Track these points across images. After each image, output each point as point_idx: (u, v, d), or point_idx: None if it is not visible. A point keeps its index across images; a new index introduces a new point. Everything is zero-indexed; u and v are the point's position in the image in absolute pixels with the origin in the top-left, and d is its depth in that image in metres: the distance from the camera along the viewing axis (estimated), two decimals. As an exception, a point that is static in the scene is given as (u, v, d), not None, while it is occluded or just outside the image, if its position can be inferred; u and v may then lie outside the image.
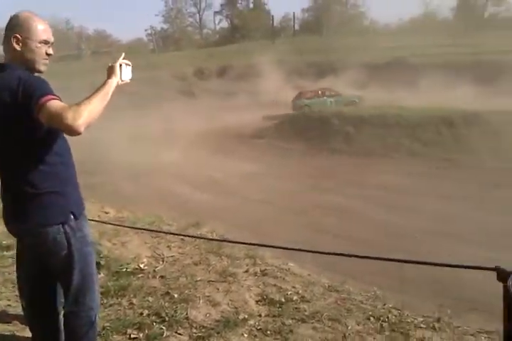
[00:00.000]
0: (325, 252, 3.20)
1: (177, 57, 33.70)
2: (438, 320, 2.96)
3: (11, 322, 2.76)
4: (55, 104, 1.68)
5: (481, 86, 19.71)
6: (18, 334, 2.63)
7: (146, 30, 61.71)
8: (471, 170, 10.71)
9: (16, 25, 1.84)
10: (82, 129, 1.65)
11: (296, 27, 48.22)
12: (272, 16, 44.87)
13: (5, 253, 3.66)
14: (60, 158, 1.91)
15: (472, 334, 2.82)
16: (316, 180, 10.94)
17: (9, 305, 2.98)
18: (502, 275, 1.43)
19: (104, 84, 1.85)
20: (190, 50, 40.56)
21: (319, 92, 21.47)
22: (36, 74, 1.89)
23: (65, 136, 1.90)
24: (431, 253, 6.25)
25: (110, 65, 1.96)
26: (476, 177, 10.18)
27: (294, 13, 46.62)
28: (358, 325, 2.87)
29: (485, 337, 2.76)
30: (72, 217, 1.90)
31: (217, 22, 60.92)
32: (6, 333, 2.67)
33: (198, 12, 59.97)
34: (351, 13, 53.93)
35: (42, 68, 1.91)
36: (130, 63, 2.04)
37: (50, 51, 1.91)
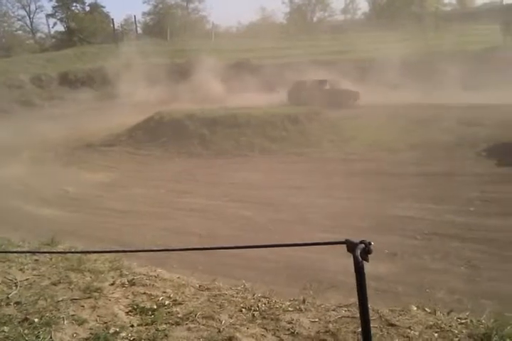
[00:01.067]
0: (190, 248, 3.23)
1: (9, 64, 30.34)
2: (303, 302, 3.20)
3: None
4: None
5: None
6: None
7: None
8: (316, 162, 11.74)
9: None
10: None
11: (139, 31, 47.25)
12: (112, 19, 43.19)
13: None
14: None
15: (334, 310, 3.09)
16: (175, 183, 10.92)
17: None
18: (351, 246, 1.60)
19: None
20: (23, 56, 36.84)
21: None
22: None
23: None
24: (286, 241, 6.72)
25: None
26: (320, 167, 11.20)
27: (134, 16, 45.69)
28: (231, 318, 2.96)
29: (345, 310, 3.05)
30: None
31: (51, 25, 56.43)
32: None
33: (28, 15, 54.82)
34: (193, 17, 54.67)
35: None
36: None
37: None
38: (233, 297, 3.31)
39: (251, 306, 3.10)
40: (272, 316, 2.97)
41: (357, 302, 2.70)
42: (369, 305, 1.61)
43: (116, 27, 43.78)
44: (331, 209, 8.17)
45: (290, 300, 3.25)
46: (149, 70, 27.30)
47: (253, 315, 2.99)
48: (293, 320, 2.92)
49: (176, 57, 28.33)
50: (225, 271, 5.55)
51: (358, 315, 2.99)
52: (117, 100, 23.23)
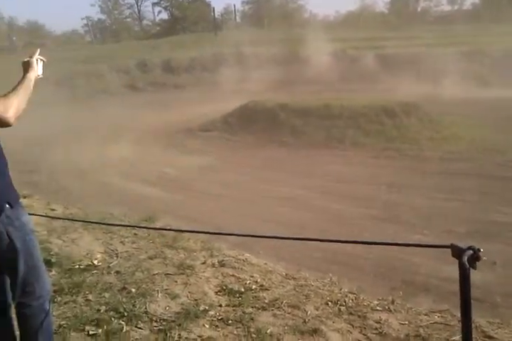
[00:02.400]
0: (285, 237, 3.26)
1: (117, 50, 32.54)
2: (392, 302, 3.10)
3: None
4: None
5: (419, 78, 20.62)
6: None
7: (82, 19, 58.94)
8: (411, 159, 11.20)
9: None
10: (13, 120, 1.70)
11: (238, 19, 48.21)
12: (213, 8, 44.36)
13: None
14: None
15: (426, 314, 2.95)
16: (264, 171, 11.03)
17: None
18: (457, 252, 1.50)
19: (23, 78, 1.90)
20: (130, 42, 39.30)
21: None
22: None
23: None
24: (374, 239, 6.49)
25: (26, 60, 1.98)
26: (416, 165, 10.67)
27: (234, 5, 46.68)
28: (317, 310, 2.94)
29: (438, 316, 2.90)
30: (7, 206, 1.88)
31: (156, 13, 59.51)
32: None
33: (136, 3, 58.31)
34: (291, 6, 54.55)
35: None
36: (45, 59, 2.06)
37: None
38: (319, 289, 3.29)
39: (338, 300, 3.07)
40: (359, 313, 2.92)
41: (452, 309, 2.56)
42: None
43: (216, 16, 44.91)
44: (426, 210, 7.75)
45: (378, 300, 3.17)
46: (247, 59, 27.80)
47: (339, 310, 2.95)
48: (381, 319, 2.84)
49: (272, 46, 28.43)
50: (310, 263, 5.52)
51: (452, 322, 2.83)
52: (215, 87, 23.94)
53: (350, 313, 2.91)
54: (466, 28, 30.36)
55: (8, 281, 1.99)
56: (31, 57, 1.99)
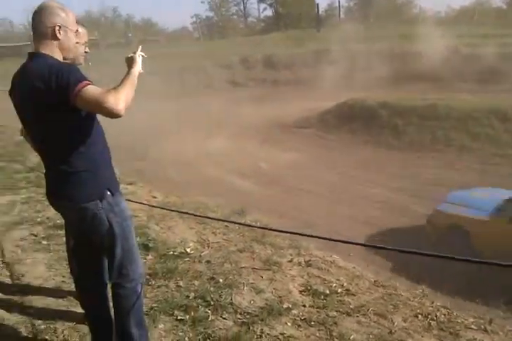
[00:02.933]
0: (370, 245, 3.14)
1: (222, 46, 33.74)
2: (490, 322, 2.86)
3: (65, 298, 2.89)
4: (92, 90, 1.77)
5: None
6: (72, 309, 2.74)
7: (191, 18, 61.90)
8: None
9: (54, 15, 1.91)
10: (123, 112, 1.77)
11: (342, 15, 47.11)
12: (317, 4, 43.90)
13: (59, 231, 3.81)
14: (94, 140, 1.99)
15: (530, 339, 2.70)
16: (360, 172, 10.76)
17: (63, 282, 3.12)
18: None
19: (128, 74, 1.95)
20: (235, 39, 40.49)
21: None
22: (67, 61, 1.98)
23: (98, 118, 2.01)
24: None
25: (130, 56, 2.06)
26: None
27: (339, 1, 45.53)
28: (405, 321, 2.80)
29: (541, 343, 2.63)
30: (108, 193, 1.99)
31: (261, 10, 60.50)
32: (61, 308, 2.79)
33: (243, 0, 59.80)
34: (399, 1, 52.16)
35: (73, 55, 2.04)
36: (145, 55, 2.12)
37: (78, 39, 2.05)
38: (409, 300, 3.13)
39: (428, 314, 2.90)
40: (451, 330, 2.72)
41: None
42: None
43: (320, 12, 44.50)
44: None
45: (474, 317, 2.94)
46: (349, 55, 27.20)
47: (429, 324, 2.79)
48: (475, 339, 2.64)
49: (378, 43, 27.45)
50: (402, 270, 5.30)
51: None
52: (315, 84, 23.79)
53: (441, 329, 2.73)
54: None
55: (106, 263, 2.13)
56: (134, 53, 2.07)
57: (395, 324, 2.75)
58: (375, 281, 3.38)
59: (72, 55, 2.01)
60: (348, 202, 8.57)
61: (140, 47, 2.14)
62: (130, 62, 2.03)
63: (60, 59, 1.94)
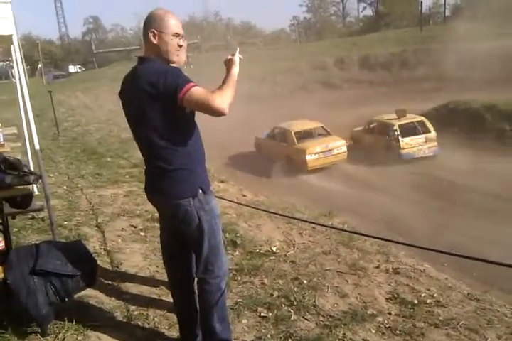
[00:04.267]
0: (463, 255, 2.95)
1: (318, 47, 33.55)
2: None
3: (158, 287, 3.09)
4: (198, 91, 1.90)
5: None
6: (163, 298, 2.93)
7: (290, 21, 62.41)
8: None
9: (152, 21, 2.06)
10: (227, 111, 1.89)
11: (448, 13, 44.44)
12: (421, 2, 41.84)
13: (156, 224, 4.08)
14: (191, 139, 2.09)
15: None
16: (460, 177, 10.09)
17: (157, 271, 3.34)
18: None
19: (228, 75, 2.06)
20: (331, 40, 40.07)
21: None
22: (172, 64, 2.09)
23: (195, 119, 2.13)
24: None
25: (229, 58, 2.15)
26: None
27: (444, -2, 42.99)
28: (499, 338, 2.62)
29: None
30: (200, 191, 2.08)
31: (360, 10, 59.27)
32: (153, 296, 2.99)
33: (342, 0, 58.99)
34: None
35: (175, 59, 2.11)
36: (242, 57, 2.18)
37: (182, 43, 2.10)
38: (506, 316, 2.91)
39: (527, 333, 2.66)
40: (553, 354, 2.48)
41: None
42: None
43: (423, 10, 42.38)
44: None
45: None
46: (453, 55, 25.58)
47: (527, 344, 2.56)
48: None
49: (486, 42, 25.45)
50: (503, 284, 4.89)
51: None
52: (413, 85, 22.80)
53: (541, 352, 2.50)
54: None
55: (193, 258, 2.24)
56: (233, 55, 2.16)
57: (488, 340, 2.58)
58: (468, 294, 3.18)
59: (175, 58, 2.10)
60: (446, 210, 8.08)
61: (238, 49, 2.24)
62: (229, 64, 2.13)
63: (165, 62, 2.06)
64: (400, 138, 12.39)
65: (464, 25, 31.70)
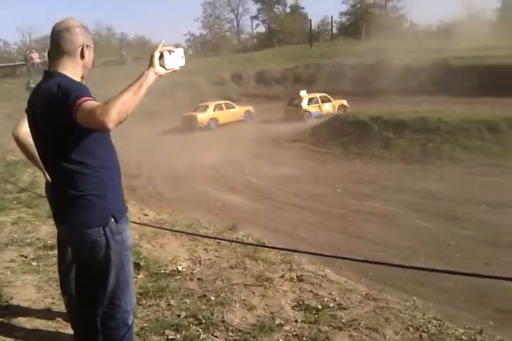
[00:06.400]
0: (360, 260, 3.15)
1: (215, 62, 34.05)
2: (480, 332, 2.86)
3: (54, 319, 2.87)
4: (89, 104, 1.67)
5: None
6: (61, 331, 2.73)
7: (184, 35, 62.61)
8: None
9: (80, 35, 1.90)
10: (110, 125, 1.59)
11: (335, 31, 47.72)
12: (310, 20, 44.48)
13: (49, 252, 3.81)
14: (102, 161, 1.90)
15: (517, 349, 2.71)
16: (353, 185, 10.81)
17: (53, 303, 3.10)
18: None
19: (140, 75, 1.75)
20: (228, 55, 40.89)
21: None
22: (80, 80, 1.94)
23: (111, 139, 1.95)
24: (466, 262, 6.09)
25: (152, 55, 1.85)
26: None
27: (331, 16, 46.16)
28: (396, 334, 2.81)
29: (530, 352, 2.64)
30: (112, 220, 1.91)
31: (254, 27, 61.34)
32: (50, 330, 2.77)
33: (236, 17, 60.66)
34: (391, 16, 52.96)
35: (85, 73, 1.98)
36: (175, 49, 1.89)
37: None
38: (401, 312, 3.13)
39: (419, 326, 2.90)
40: (442, 342, 2.73)
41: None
42: None
43: (312, 28, 45.04)
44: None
45: (465, 328, 2.95)
46: (342, 70, 27.54)
47: (420, 336, 2.79)
48: (465, 350, 2.64)
49: (369, 57, 27.80)
50: (395, 282, 5.30)
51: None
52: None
53: (432, 341, 2.74)
54: None
55: (98, 290, 2.01)
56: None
57: (387, 337, 2.75)
58: (366, 294, 3.38)
59: (86, 71, 1.97)
60: (341, 216, 8.59)
61: (162, 41, 1.89)
62: (149, 64, 1.81)
63: (79, 77, 1.91)
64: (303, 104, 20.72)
65: (349, 42, 34.34)
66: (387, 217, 8.38)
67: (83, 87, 1.84)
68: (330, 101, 21.67)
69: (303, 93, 21.73)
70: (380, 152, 13.40)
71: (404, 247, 6.77)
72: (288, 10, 57.34)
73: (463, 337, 2.78)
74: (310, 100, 21.38)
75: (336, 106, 21.54)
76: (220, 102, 22.74)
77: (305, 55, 32.97)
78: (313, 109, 21.08)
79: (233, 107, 22.78)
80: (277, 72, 30.65)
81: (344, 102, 21.82)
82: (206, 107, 22.01)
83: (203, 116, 21.32)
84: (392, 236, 7.33)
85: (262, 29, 60.12)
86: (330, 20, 45.73)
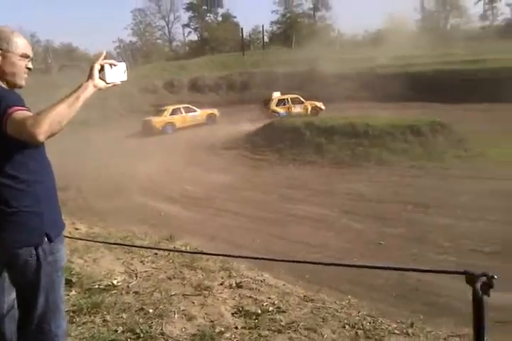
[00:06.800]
0: (297, 261, 3.23)
1: (147, 70, 33.49)
2: (411, 326, 3.02)
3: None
4: (20, 114, 1.59)
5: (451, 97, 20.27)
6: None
7: (114, 42, 60.82)
8: (438, 178, 11.00)
9: None
10: (41, 137, 1.53)
11: (266, 39, 48.74)
12: (242, 29, 45.17)
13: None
14: (37, 176, 1.80)
15: (444, 339, 2.87)
16: (288, 190, 11.04)
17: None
18: (471, 278, 1.48)
19: (78, 86, 1.71)
20: (160, 63, 40.39)
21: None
22: (12, 88, 1.84)
23: (45, 152, 1.86)
24: (396, 259, 6.43)
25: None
26: (443, 184, 10.47)
27: (262, 25, 47.18)
28: (334, 333, 2.89)
29: (457, 341, 2.82)
30: (46, 239, 1.81)
31: (186, 34, 61.10)
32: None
33: (167, 25, 60.13)
34: (319, 25, 55.02)
35: (21, 82, 1.85)
36: (117, 63, 1.87)
37: (30, 65, 1.87)
38: (337, 312, 3.23)
39: (355, 324, 3.01)
40: (376, 337, 2.85)
41: (471, 335, 2.48)
42: (486, 339, 1.47)
43: (244, 36, 45.69)
44: (452, 230, 7.59)
45: (397, 322, 3.09)
46: (273, 78, 28.11)
47: (356, 333, 2.89)
48: (399, 343, 2.77)
49: (297, 66, 28.66)
50: (331, 282, 5.47)
51: (471, 348, 2.74)
52: (244, 106, 24.26)
53: (368, 337, 2.84)
54: (497, 45, 29.88)
55: (24, 313, 1.89)
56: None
57: (325, 336, 2.83)
58: (304, 296, 3.46)
59: (23, 82, 1.84)
60: (277, 221, 8.74)
61: (104, 53, 1.87)
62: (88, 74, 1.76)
63: (4, 85, 1.78)
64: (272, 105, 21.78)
65: (280, 51, 35.18)
66: (322, 220, 8.65)
67: (16, 96, 1.74)
68: (302, 102, 22.38)
69: (276, 94, 22.52)
70: (313, 157, 13.82)
71: (339, 248, 7.02)
72: (220, 18, 57.87)
73: (396, 331, 2.92)
74: (280, 101, 22.16)
75: (309, 108, 22.21)
76: (179, 106, 22.96)
77: (237, 63, 33.38)
78: (282, 110, 21.77)
79: (194, 111, 22.98)
80: (210, 79, 30.74)
81: (318, 104, 22.47)
82: (163, 111, 22.40)
83: (158, 121, 21.66)
84: (326, 238, 7.58)
85: (194, 37, 60.14)
86: (261, 29, 46.80)
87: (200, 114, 22.97)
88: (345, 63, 25.79)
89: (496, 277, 1.46)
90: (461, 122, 14.84)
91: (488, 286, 1.45)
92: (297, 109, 21.90)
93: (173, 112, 22.32)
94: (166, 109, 22.55)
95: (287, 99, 22.40)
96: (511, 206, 8.43)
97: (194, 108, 23.18)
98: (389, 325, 3.00)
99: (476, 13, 54.00)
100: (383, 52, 27.02)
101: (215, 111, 23.68)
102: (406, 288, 5.59)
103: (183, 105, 23.24)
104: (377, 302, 4.42)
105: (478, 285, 1.44)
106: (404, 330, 2.93)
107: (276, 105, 22.06)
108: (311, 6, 55.60)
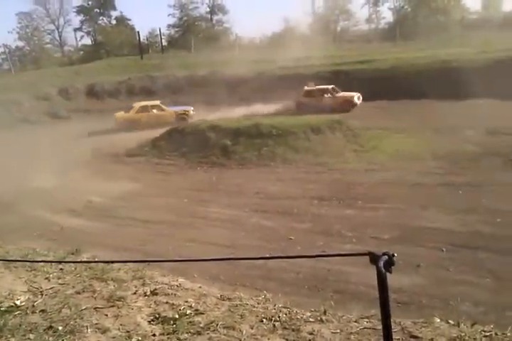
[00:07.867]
0: (209, 259, 3.26)
1: (38, 77, 31.28)
2: (324, 313, 3.18)
3: None
4: None
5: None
6: None
7: (-1, 47, 56.00)
8: (338, 172, 11.67)
9: None
10: None
11: (164, 43, 48.03)
12: (138, 32, 44.04)
13: None
14: None
15: (355, 321, 3.06)
16: (198, 193, 11.01)
17: None
18: (374, 258, 1.61)
19: None
20: (51, 69, 37.96)
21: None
22: None
23: None
24: (306, 252, 6.72)
25: None
26: (342, 178, 11.14)
27: (159, 29, 46.42)
28: (252, 328, 2.95)
29: (367, 322, 3.02)
30: None
31: (78, 38, 58.13)
32: None
33: (57, 29, 56.73)
34: (217, 29, 55.44)
35: None
36: None
37: None
38: (254, 307, 3.31)
39: (272, 316, 3.10)
40: (293, 327, 2.96)
41: (379, 314, 2.69)
42: (391, 318, 1.60)
43: (141, 39, 44.62)
44: (355, 220, 8.11)
45: (311, 311, 3.23)
46: (172, 82, 27.79)
47: (274, 326, 2.98)
48: (314, 330, 2.90)
49: (198, 69, 28.65)
50: (245, 281, 5.58)
51: (379, 326, 2.96)
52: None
53: (285, 328, 2.95)
54: (382, 46, 32.42)
55: None
56: None
57: (244, 332, 2.88)
58: (221, 296, 3.49)
59: None
60: (189, 225, 8.68)
61: None
62: None
63: None
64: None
65: (180, 54, 34.86)
66: (233, 220, 8.75)
67: None
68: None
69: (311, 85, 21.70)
70: (220, 159, 13.93)
71: (252, 246, 7.16)
72: (114, 21, 55.85)
73: (310, 319, 3.06)
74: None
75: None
76: (146, 104, 22.01)
77: (136, 67, 32.49)
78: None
79: (163, 110, 21.91)
80: (109, 84, 29.57)
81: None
82: (131, 108, 21.71)
83: (120, 116, 21.23)
84: (239, 238, 7.69)
85: (87, 41, 57.41)
86: (158, 32, 45.98)
87: (168, 113, 21.62)
88: (246, 65, 26.26)
89: (395, 255, 1.60)
90: (356, 119, 15.91)
91: (389, 264, 1.59)
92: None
93: (141, 110, 21.49)
94: (133, 106, 21.77)
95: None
96: (404, 194, 9.23)
97: (163, 106, 22.08)
98: (304, 314, 3.14)
99: (363, 16, 57.76)
100: (281, 54, 27.93)
101: (190, 109, 22.02)
102: (317, 278, 5.86)
103: (153, 102, 22.33)
104: (291, 295, 4.59)
105: (381, 263, 1.57)
106: (319, 318, 3.08)
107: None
108: (208, 9, 55.89)
